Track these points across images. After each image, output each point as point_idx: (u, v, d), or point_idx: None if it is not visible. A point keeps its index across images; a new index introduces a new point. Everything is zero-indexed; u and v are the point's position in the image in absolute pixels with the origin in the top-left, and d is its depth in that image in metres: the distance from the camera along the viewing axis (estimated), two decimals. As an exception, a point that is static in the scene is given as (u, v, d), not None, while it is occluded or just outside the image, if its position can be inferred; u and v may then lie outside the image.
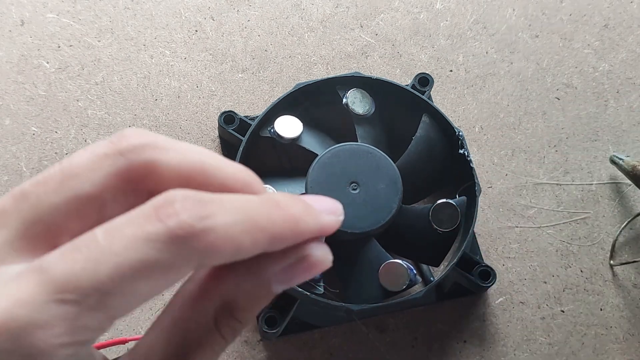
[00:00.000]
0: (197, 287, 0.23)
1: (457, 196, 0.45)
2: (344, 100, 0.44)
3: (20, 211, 0.21)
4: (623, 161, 0.48)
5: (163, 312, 0.23)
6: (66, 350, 0.20)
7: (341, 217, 0.25)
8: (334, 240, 0.42)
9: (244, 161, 0.43)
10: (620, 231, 0.48)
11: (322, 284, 0.41)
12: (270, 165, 0.46)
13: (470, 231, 0.42)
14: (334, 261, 0.41)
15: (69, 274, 0.19)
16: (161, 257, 0.20)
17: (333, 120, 0.46)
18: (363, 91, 0.45)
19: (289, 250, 0.24)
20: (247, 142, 0.44)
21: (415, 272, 0.40)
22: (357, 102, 0.44)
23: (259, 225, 0.22)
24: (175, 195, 0.21)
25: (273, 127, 0.43)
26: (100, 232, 0.20)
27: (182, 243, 0.21)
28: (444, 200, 0.42)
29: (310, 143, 0.44)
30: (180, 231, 0.20)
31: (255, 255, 0.23)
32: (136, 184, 0.22)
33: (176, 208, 0.20)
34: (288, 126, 0.44)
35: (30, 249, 0.21)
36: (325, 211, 0.25)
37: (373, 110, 0.45)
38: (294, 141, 0.44)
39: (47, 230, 0.21)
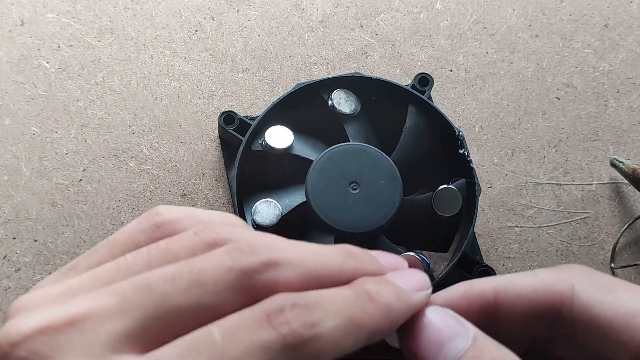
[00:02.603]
0: None
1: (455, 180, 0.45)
2: (329, 102, 0.44)
3: (143, 305, 0.22)
4: (623, 164, 0.48)
5: None
6: None
7: (429, 291, 0.26)
8: (344, 242, 0.42)
9: (242, 166, 0.43)
10: (621, 234, 0.48)
11: None
12: (264, 178, 0.46)
13: (470, 231, 0.42)
14: None
15: None
16: None
17: (321, 123, 0.46)
18: (347, 90, 0.45)
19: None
20: (247, 142, 0.44)
21: (428, 261, 0.40)
22: (342, 102, 0.45)
23: (358, 324, 0.23)
24: (285, 302, 0.22)
25: (264, 139, 0.43)
26: (217, 333, 0.21)
27: (293, 349, 0.22)
28: (444, 186, 0.43)
29: (303, 150, 0.44)
30: (292, 339, 0.22)
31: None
32: (260, 298, 0.23)
33: (287, 317, 0.22)
34: (279, 136, 0.43)
35: (144, 342, 0.21)
36: (414, 289, 0.26)
37: (359, 108, 0.45)
38: (287, 150, 0.44)
39: (165, 328, 0.22)
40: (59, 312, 0.21)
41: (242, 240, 0.24)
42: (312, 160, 0.42)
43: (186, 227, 0.25)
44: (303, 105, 0.45)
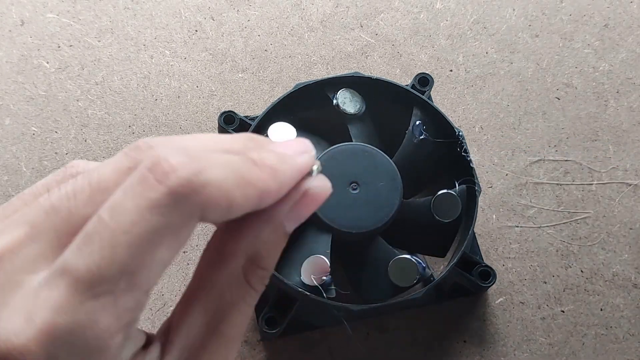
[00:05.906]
0: (218, 252, 0.24)
1: (456, 185, 0.45)
2: (334, 101, 0.44)
3: (53, 224, 0.22)
4: None
5: (191, 284, 0.24)
6: (117, 337, 0.20)
7: (313, 152, 0.26)
8: (340, 242, 0.41)
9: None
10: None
11: (333, 287, 0.41)
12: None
13: (470, 231, 0.42)
14: (343, 263, 0.41)
15: (92, 268, 0.20)
16: (167, 220, 0.21)
17: (324, 122, 0.46)
18: (352, 90, 0.45)
19: (290, 190, 0.25)
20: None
21: (424, 265, 0.40)
22: (347, 102, 0.45)
23: (247, 179, 0.23)
24: (167, 153, 0.21)
25: (267, 135, 0.43)
26: (105, 213, 0.20)
27: (184, 200, 0.21)
28: (444, 190, 0.42)
29: None
30: (181, 188, 0.21)
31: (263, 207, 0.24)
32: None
33: (172, 164, 0.21)
34: (281, 133, 0.43)
35: (59, 253, 0.21)
36: (297, 153, 0.26)
37: (364, 108, 0.45)
38: None
39: (75, 235, 0.21)
40: None
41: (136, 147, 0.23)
42: None
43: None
44: (307, 104, 0.45)
